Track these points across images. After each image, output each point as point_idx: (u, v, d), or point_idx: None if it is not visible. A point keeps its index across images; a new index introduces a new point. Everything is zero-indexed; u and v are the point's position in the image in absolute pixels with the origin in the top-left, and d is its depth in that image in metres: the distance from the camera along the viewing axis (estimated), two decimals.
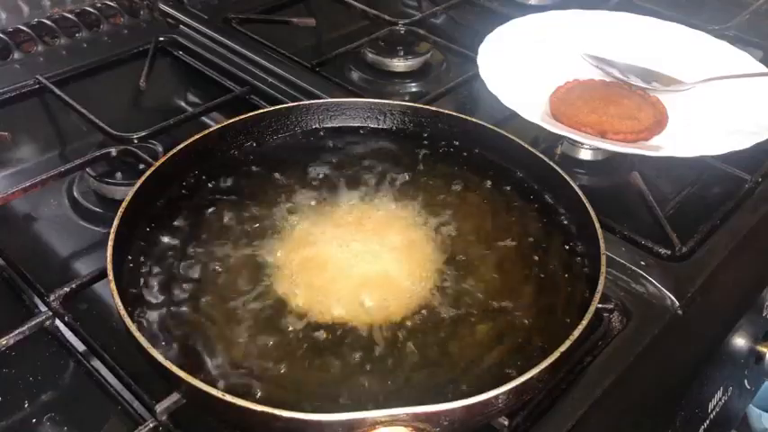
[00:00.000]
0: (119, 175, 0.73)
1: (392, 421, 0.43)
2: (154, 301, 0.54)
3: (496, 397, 0.45)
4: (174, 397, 0.50)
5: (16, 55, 0.87)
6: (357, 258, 0.58)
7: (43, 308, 0.58)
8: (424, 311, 0.54)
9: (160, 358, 0.46)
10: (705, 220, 0.69)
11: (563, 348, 0.47)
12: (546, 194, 0.65)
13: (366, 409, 0.43)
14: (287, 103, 0.77)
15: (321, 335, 0.52)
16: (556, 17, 0.90)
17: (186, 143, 0.64)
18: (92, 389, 0.53)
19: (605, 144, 0.72)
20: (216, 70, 0.90)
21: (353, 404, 0.47)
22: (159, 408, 0.49)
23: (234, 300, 0.54)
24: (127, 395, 0.52)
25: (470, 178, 0.67)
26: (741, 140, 0.71)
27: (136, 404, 0.51)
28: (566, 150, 0.79)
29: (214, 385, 0.46)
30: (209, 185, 0.64)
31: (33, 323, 0.56)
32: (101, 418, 0.54)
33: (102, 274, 0.58)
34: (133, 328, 0.48)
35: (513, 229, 0.62)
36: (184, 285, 0.55)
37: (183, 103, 0.95)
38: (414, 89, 0.95)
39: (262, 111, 0.70)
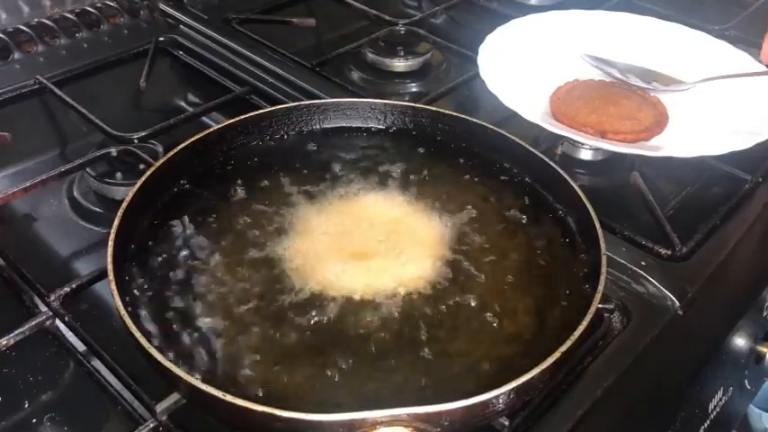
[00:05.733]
0: (119, 175, 0.73)
1: (392, 421, 0.43)
2: (155, 300, 0.53)
3: (497, 397, 0.45)
4: (174, 397, 0.50)
5: (16, 55, 0.87)
6: (357, 255, 0.58)
7: (43, 308, 0.58)
8: (422, 310, 0.54)
9: (160, 358, 0.46)
10: (705, 220, 0.69)
11: (564, 348, 0.47)
12: (546, 194, 0.65)
13: (366, 409, 0.43)
14: (287, 103, 0.77)
15: (324, 331, 0.52)
16: (556, 17, 0.90)
17: (186, 143, 0.64)
18: (92, 389, 0.53)
19: (605, 144, 0.72)
20: (216, 70, 0.90)
21: (352, 402, 0.47)
22: (159, 408, 0.49)
23: (234, 298, 0.54)
24: (127, 395, 0.52)
25: (470, 178, 0.67)
26: (741, 140, 0.71)
27: (136, 404, 0.51)
28: (566, 150, 0.79)
29: (216, 385, 0.46)
30: (210, 185, 0.64)
31: (33, 323, 0.56)
32: (101, 418, 0.54)
33: (102, 274, 0.58)
34: (133, 328, 0.48)
35: (512, 229, 0.62)
36: (185, 285, 0.55)
37: (183, 103, 0.95)
38: (414, 89, 0.95)
39: (262, 111, 0.70)
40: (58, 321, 0.57)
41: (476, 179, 0.67)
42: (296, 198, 0.64)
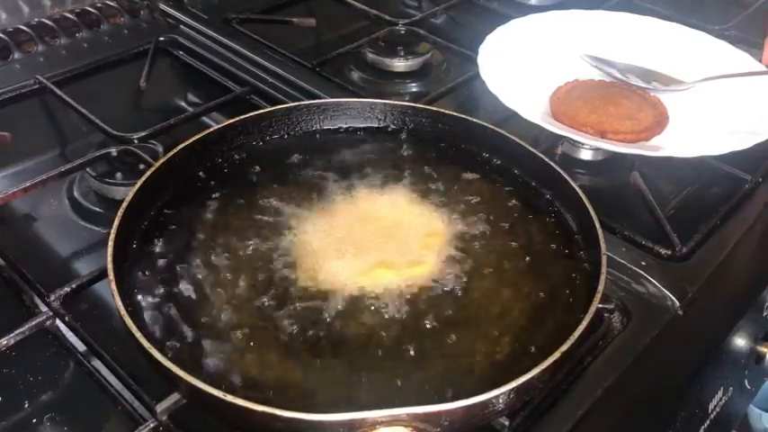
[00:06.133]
0: (119, 175, 0.73)
1: (392, 421, 0.43)
2: (155, 300, 0.53)
3: (497, 397, 0.45)
4: (174, 397, 0.50)
5: (16, 55, 0.87)
6: (358, 253, 0.58)
7: (43, 308, 0.58)
8: (423, 309, 0.54)
9: (160, 358, 0.46)
10: (705, 220, 0.69)
11: (564, 348, 0.47)
12: (546, 194, 0.65)
13: (366, 409, 0.43)
14: (287, 103, 0.77)
15: (326, 330, 0.52)
16: (556, 17, 0.90)
17: (186, 143, 0.64)
18: (92, 389, 0.53)
19: (605, 144, 0.72)
20: (216, 70, 0.90)
21: (351, 401, 0.47)
22: (159, 408, 0.49)
23: (236, 297, 0.54)
24: (127, 395, 0.52)
25: (470, 178, 0.67)
26: (741, 140, 0.71)
27: (136, 404, 0.51)
28: (566, 150, 0.79)
29: (217, 385, 0.46)
30: (210, 185, 0.64)
31: (33, 323, 0.56)
32: (101, 418, 0.54)
33: (102, 274, 0.58)
34: (133, 328, 0.48)
35: (513, 228, 0.61)
36: (185, 284, 0.55)
37: (183, 103, 0.95)
38: (414, 89, 0.95)
39: (262, 111, 0.70)
40: (58, 321, 0.57)
41: (476, 179, 0.67)
42: (297, 197, 0.64)
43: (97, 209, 0.74)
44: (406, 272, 0.57)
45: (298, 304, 0.54)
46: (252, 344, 0.51)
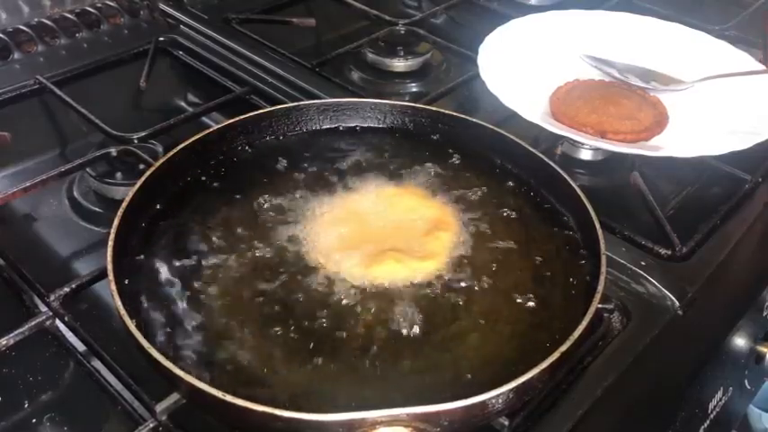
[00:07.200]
0: (119, 175, 0.73)
1: (392, 421, 0.43)
2: (154, 300, 0.53)
3: (497, 397, 0.45)
4: (174, 397, 0.50)
5: (16, 55, 0.87)
6: (358, 252, 0.58)
7: (43, 308, 0.58)
8: (421, 309, 0.54)
9: (160, 358, 0.46)
10: (705, 220, 0.69)
11: (563, 348, 0.47)
12: (546, 194, 0.65)
13: (366, 409, 0.43)
14: (287, 103, 0.77)
15: (326, 327, 0.52)
16: (556, 17, 0.90)
17: (186, 143, 0.64)
18: (92, 389, 0.53)
19: (605, 144, 0.72)
20: (216, 70, 0.90)
21: (351, 400, 0.47)
22: (159, 408, 0.49)
23: (237, 296, 0.54)
24: (127, 395, 0.52)
25: (470, 178, 0.67)
26: (741, 140, 0.71)
27: (136, 404, 0.51)
28: (566, 150, 0.79)
29: (216, 385, 0.46)
30: (210, 185, 0.64)
31: (33, 323, 0.56)
32: (101, 418, 0.54)
33: (102, 274, 0.58)
34: (133, 328, 0.48)
35: (513, 228, 0.61)
36: (185, 284, 0.55)
37: (183, 103, 0.95)
38: (414, 89, 0.95)
39: (262, 111, 0.70)
40: (57, 321, 0.57)
41: (475, 179, 0.67)
42: (298, 197, 0.64)
43: (97, 209, 0.74)
44: (413, 266, 0.57)
45: (301, 303, 0.54)
46: (253, 342, 0.51)
